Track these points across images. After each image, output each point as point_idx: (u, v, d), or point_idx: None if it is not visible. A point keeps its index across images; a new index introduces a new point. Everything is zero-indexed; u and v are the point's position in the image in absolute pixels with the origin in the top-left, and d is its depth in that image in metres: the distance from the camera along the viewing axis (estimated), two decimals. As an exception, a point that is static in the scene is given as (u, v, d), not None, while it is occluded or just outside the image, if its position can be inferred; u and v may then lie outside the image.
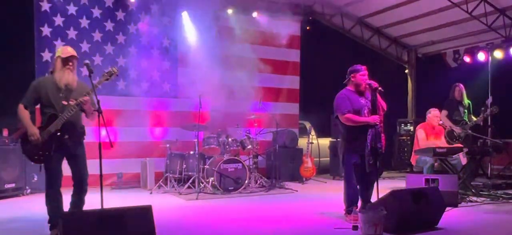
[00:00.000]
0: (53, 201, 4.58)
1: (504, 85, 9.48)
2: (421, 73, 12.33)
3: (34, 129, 4.47)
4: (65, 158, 4.68)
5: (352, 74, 5.53)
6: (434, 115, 7.57)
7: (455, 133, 7.72)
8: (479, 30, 10.10)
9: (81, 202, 4.67)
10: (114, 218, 3.78)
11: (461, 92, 8.09)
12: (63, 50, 4.67)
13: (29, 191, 7.57)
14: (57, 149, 4.52)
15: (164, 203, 6.83)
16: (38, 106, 4.70)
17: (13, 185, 7.35)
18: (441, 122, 7.72)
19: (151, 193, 7.84)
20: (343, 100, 5.43)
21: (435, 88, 8.53)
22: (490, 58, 9.28)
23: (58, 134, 4.49)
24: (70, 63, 4.59)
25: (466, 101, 8.10)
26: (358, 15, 11.30)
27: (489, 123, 8.41)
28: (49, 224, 4.60)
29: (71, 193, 4.72)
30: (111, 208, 4.09)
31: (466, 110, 8.01)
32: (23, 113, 4.57)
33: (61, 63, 4.60)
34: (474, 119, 7.88)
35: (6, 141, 7.45)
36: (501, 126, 8.64)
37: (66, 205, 4.67)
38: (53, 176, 4.60)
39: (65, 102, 4.52)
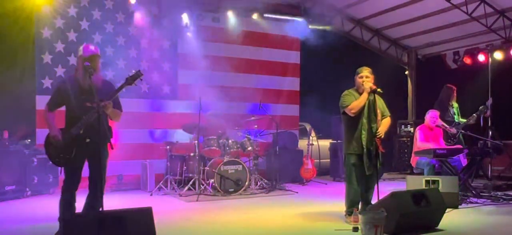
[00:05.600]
0: (66, 202, 4.48)
1: (504, 86, 9.48)
2: (421, 74, 12.34)
3: (56, 131, 4.40)
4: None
5: (355, 76, 5.57)
6: (431, 116, 7.59)
7: (449, 133, 7.72)
8: (479, 31, 10.11)
9: (93, 209, 4.46)
10: (115, 220, 3.77)
11: (455, 95, 8.11)
12: (84, 49, 4.50)
13: (29, 193, 7.57)
14: (79, 152, 4.42)
15: (164, 205, 6.83)
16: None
17: (14, 187, 7.34)
18: (440, 124, 7.71)
19: (151, 194, 7.84)
20: (347, 96, 5.48)
21: (435, 90, 8.51)
22: (490, 59, 9.28)
23: (80, 137, 4.37)
24: (88, 63, 4.36)
25: (455, 104, 8.12)
26: (358, 16, 11.32)
27: (489, 124, 8.40)
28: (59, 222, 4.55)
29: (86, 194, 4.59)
30: (111, 210, 4.09)
31: (456, 112, 8.03)
32: (47, 115, 4.51)
33: (82, 63, 4.42)
34: (463, 120, 7.89)
35: (7, 143, 7.45)
36: (501, 127, 8.63)
37: (79, 207, 4.57)
38: (71, 179, 4.49)
39: (88, 104, 4.35)
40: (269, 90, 10.50)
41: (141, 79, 4.51)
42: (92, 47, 4.54)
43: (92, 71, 4.31)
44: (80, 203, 4.58)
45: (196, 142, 7.89)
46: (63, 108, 4.59)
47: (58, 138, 4.39)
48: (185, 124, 8.34)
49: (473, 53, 10.29)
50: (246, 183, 7.83)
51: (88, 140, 4.43)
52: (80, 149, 4.44)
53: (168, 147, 8.18)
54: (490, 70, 8.92)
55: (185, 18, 9.48)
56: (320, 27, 11.00)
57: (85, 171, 4.59)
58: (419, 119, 10.54)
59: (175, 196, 7.60)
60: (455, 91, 8.07)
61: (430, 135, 7.54)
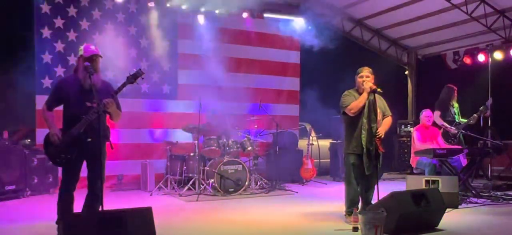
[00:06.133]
0: (65, 202, 4.49)
1: (504, 86, 9.48)
2: (421, 74, 12.35)
3: (56, 130, 4.39)
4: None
5: (355, 76, 5.58)
6: (425, 116, 7.61)
7: (450, 133, 7.73)
8: (479, 31, 10.11)
9: (92, 208, 4.46)
10: (115, 220, 3.78)
11: (456, 95, 8.12)
12: (85, 48, 4.49)
13: (29, 193, 7.56)
14: (79, 152, 4.42)
15: (164, 205, 6.83)
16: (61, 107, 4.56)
17: (14, 187, 7.34)
18: (440, 123, 7.72)
19: (151, 194, 7.84)
20: (347, 96, 5.50)
21: (435, 90, 8.50)
22: (490, 59, 9.27)
23: (81, 136, 4.37)
24: (88, 63, 4.37)
25: (456, 104, 8.12)
26: (358, 16, 11.31)
27: (489, 124, 8.39)
28: (57, 225, 4.55)
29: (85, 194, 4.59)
30: (111, 210, 4.09)
31: (456, 112, 8.04)
32: (46, 114, 4.49)
33: (83, 62, 4.41)
34: (464, 121, 7.90)
35: (7, 142, 7.45)
36: (501, 127, 8.63)
37: (78, 207, 4.57)
38: (70, 179, 4.50)
39: (89, 104, 4.36)
40: (269, 90, 10.51)
41: (143, 78, 4.52)
42: (92, 47, 4.53)
43: (92, 71, 4.32)
44: (78, 203, 4.58)
45: (196, 142, 7.89)
46: (61, 107, 4.58)
47: (59, 137, 4.38)
48: (185, 124, 8.34)
49: (473, 53, 10.29)
50: (246, 183, 7.83)
51: (89, 140, 4.43)
52: (81, 149, 4.44)
53: (168, 147, 8.18)
54: (490, 70, 8.90)
55: (185, 18, 9.48)
56: (320, 27, 10.99)
57: (83, 171, 4.59)
58: (419, 119, 10.54)
59: (175, 196, 7.60)
60: (456, 92, 8.07)
61: (427, 134, 7.55)
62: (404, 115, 12.31)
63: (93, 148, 4.38)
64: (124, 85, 4.44)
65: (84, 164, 4.60)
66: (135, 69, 4.52)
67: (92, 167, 4.54)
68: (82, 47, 4.55)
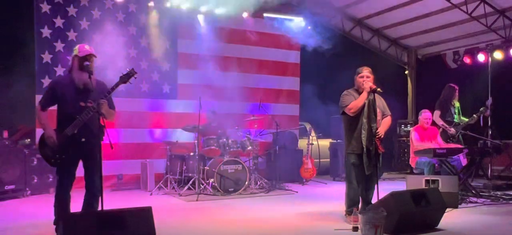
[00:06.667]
0: (61, 202, 4.51)
1: (504, 86, 9.47)
2: (421, 74, 12.35)
3: (51, 132, 4.39)
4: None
5: (355, 76, 5.58)
6: (423, 117, 7.62)
7: (449, 133, 7.73)
8: (479, 31, 10.11)
9: (91, 208, 4.49)
10: (115, 220, 3.78)
11: (457, 94, 8.10)
12: (80, 48, 4.50)
13: (29, 192, 7.57)
14: (74, 152, 4.43)
15: (164, 205, 6.83)
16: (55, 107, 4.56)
17: (13, 186, 7.34)
18: (440, 123, 7.72)
19: (151, 194, 7.84)
20: (347, 96, 5.51)
21: (435, 90, 8.51)
22: (490, 59, 9.27)
23: (75, 136, 4.38)
24: (88, 62, 4.39)
25: (457, 103, 8.11)
26: (358, 16, 11.31)
27: (489, 124, 8.39)
28: (55, 225, 4.56)
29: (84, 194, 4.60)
30: (111, 209, 4.09)
31: (456, 112, 8.03)
32: (41, 115, 4.50)
33: (78, 62, 4.44)
34: (465, 120, 7.90)
35: (6, 142, 7.45)
36: (501, 126, 8.63)
37: (77, 207, 4.58)
38: (66, 179, 4.52)
39: (82, 104, 4.37)
40: (269, 90, 10.52)
41: (135, 78, 4.52)
42: (87, 47, 4.54)
43: (91, 70, 4.33)
44: (74, 203, 4.58)
45: (196, 141, 7.89)
46: (54, 107, 4.58)
47: (54, 139, 4.39)
48: (185, 123, 8.34)
49: (473, 53, 10.29)
50: (246, 183, 7.84)
51: (83, 140, 4.44)
52: (76, 149, 4.45)
53: (168, 146, 8.18)
54: (490, 70, 8.90)
55: (185, 18, 9.48)
56: (320, 27, 10.99)
57: (80, 171, 4.59)
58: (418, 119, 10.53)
59: (175, 195, 7.60)
60: (457, 91, 8.06)
61: (425, 135, 7.56)
62: (404, 115, 12.31)
63: (88, 147, 4.42)
64: (117, 85, 4.44)
65: (82, 164, 4.60)
66: (128, 69, 4.51)
67: (88, 166, 4.56)
68: (76, 47, 4.56)
